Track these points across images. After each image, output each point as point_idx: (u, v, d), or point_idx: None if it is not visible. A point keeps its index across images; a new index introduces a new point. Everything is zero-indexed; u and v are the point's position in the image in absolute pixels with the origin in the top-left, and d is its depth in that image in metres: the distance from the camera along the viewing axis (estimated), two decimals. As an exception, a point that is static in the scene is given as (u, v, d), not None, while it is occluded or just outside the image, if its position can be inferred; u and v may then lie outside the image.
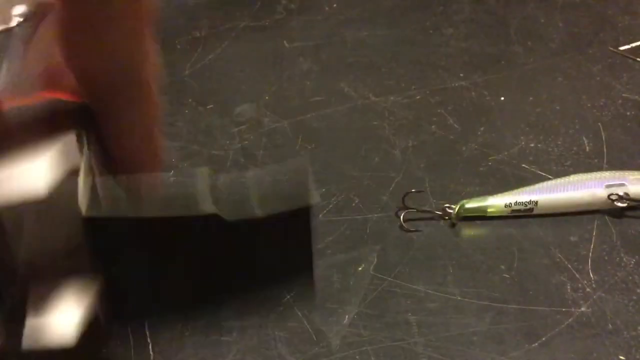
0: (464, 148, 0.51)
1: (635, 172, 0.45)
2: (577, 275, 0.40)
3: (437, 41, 0.65)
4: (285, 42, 0.65)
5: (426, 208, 0.45)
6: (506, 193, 0.44)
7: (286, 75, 0.61)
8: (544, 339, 0.36)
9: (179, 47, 0.65)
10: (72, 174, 0.23)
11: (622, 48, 0.65)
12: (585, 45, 0.66)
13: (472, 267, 0.41)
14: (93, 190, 0.24)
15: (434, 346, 0.36)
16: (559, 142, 0.52)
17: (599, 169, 0.49)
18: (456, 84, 0.60)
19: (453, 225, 0.44)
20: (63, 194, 0.22)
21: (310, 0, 0.72)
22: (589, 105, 0.57)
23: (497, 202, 0.44)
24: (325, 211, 0.45)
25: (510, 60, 0.64)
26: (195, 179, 0.25)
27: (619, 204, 0.44)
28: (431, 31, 0.66)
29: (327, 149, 0.52)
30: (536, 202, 0.44)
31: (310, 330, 0.37)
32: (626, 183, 0.44)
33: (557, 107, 0.56)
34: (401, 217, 0.44)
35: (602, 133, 0.53)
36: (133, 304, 0.27)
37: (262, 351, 0.36)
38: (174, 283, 0.26)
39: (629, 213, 0.45)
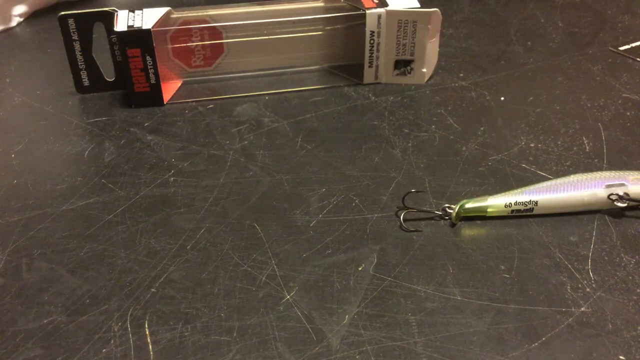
0: (464, 148, 0.51)
1: (635, 172, 0.45)
2: (577, 275, 0.40)
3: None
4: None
5: (426, 208, 0.45)
6: (506, 193, 0.44)
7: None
8: (544, 339, 0.36)
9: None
10: None
11: (622, 48, 0.65)
12: (585, 45, 0.66)
13: (472, 267, 0.41)
14: None
15: (434, 346, 0.36)
16: (559, 142, 0.52)
17: (599, 169, 0.49)
18: (456, 84, 0.60)
19: (453, 225, 0.44)
20: None
21: None
22: (589, 105, 0.57)
23: (497, 202, 0.44)
24: (325, 211, 0.45)
25: (510, 60, 0.64)
26: None
27: (619, 204, 0.44)
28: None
29: (327, 149, 0.52)
30: (536, 202, 0.44)
31: (310, 330, 0.37)
32: (626, 183, 0.44)
33: (557, 107, 0.56)
34: (401, 217, 0.44)
35: (602, 133, 0.53)
36: None
37: (262, 351, 0.36)
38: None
39: (629, 213, 0.45)
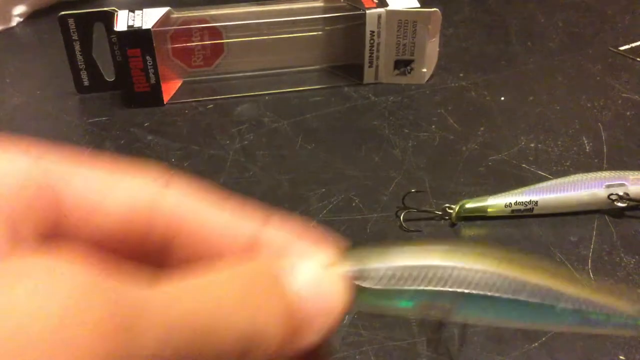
0: (464, 148, 0.51)
1: (635, 172, 0.45)
2: (577, 275, 0.40)
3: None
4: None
5: (426, 208, 0.45)
6: (506, 193, 0.44)
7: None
8: (544, 339, 0.36)
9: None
10: None
11: (622, 48, 0.65)
12: (585, 45, 0.66)
13: (472, 267, 0.41)
14: None
15: (433, 346, 0.36)
16: (559, 142, 0.52)
17: (599, 169, 0.49)
18: (456, 84, 0.60)
19: (453, 225, 0.44)
20: None
21: None
22: (589, 105, 0.57)
23: (497, 202, 0.44)
24: (325, 211, 0.45)
25: (510, 60, 0.64)
26: None
27: (619, 204, 0.44)
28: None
29: (327, 149, 0.52)
30: (536, 202, 0.44)
31: (310, 330, 0.37)
32: (626, 183, 0.44)
33: (557, 107, 0.56)
34: (401, 217, 0.44)
35: (602, 133, 0.53)
36: None
37: (262, 351, 0.36)
38: None
39: (629, 213, 0.45)
